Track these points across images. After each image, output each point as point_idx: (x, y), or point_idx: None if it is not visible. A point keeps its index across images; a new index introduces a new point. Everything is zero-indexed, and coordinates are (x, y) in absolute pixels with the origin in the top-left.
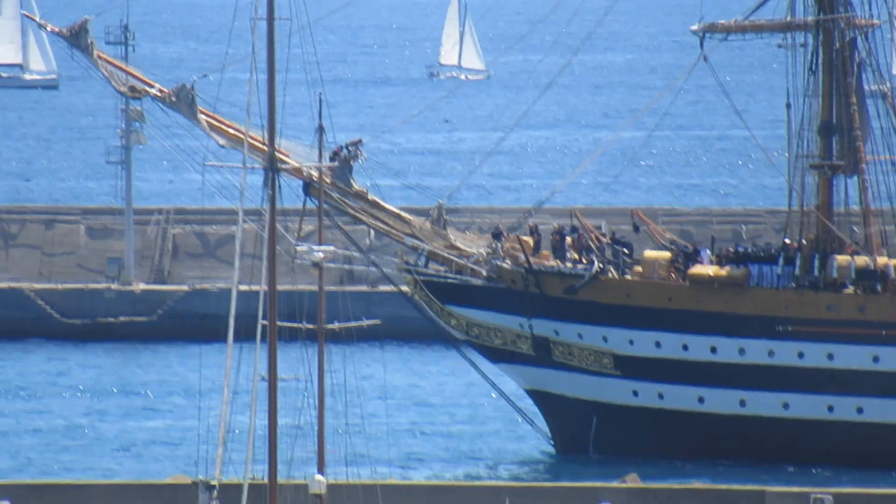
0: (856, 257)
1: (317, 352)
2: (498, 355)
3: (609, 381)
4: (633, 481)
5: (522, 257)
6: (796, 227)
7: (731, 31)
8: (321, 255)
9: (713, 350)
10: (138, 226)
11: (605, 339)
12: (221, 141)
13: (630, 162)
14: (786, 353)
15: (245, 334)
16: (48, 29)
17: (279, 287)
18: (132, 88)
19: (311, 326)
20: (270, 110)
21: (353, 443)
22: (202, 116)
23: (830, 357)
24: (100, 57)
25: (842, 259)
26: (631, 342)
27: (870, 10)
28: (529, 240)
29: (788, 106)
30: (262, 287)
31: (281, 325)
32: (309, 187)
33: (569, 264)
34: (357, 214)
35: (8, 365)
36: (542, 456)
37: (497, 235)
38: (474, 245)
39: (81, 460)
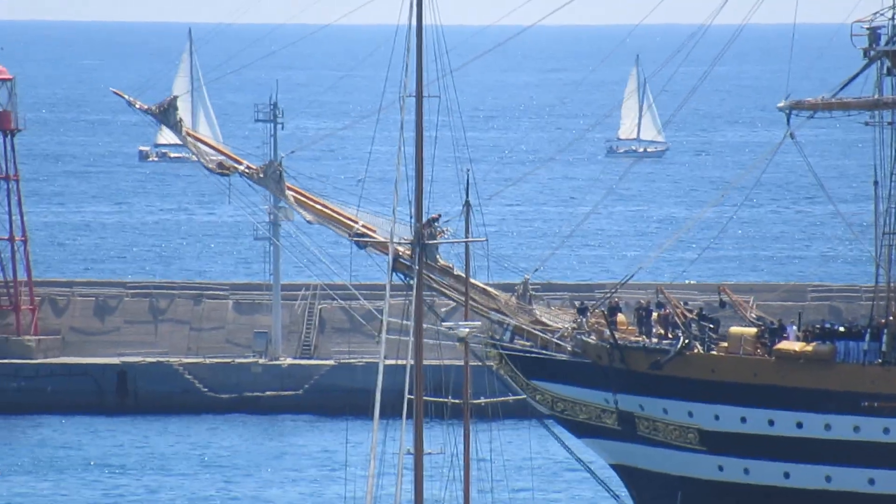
0: None
1: (462, 426)
2: (583, 430)
3: (694, 456)
4: None
5: (608, 333)
6: (883, 304)
7: (818, 109)
8: (466, 330)
9: (799, 426)
10: (285, 301)
11: (690, 415)
12: (308, 217)
13: (717, 237)
14: (871, 429)
15: (391, 409)
16: (136, 106)
17: (425, 362)
18: (220, 165)
19: (456, 401)
20: (418, 185)
21: None
22: (290, 193)
23: None
24: (188, 134)
25: None
26: (717, 417)
27: None
28: (623, 318)
29: (876, 183)
30: (408, 361)
31: (427, 399)
32: (396, 263)
33: (654, 339)
34: (443, 289)
35: (155, 437)
36: None
37: (583, 310)
38: (560, 320)
39: None
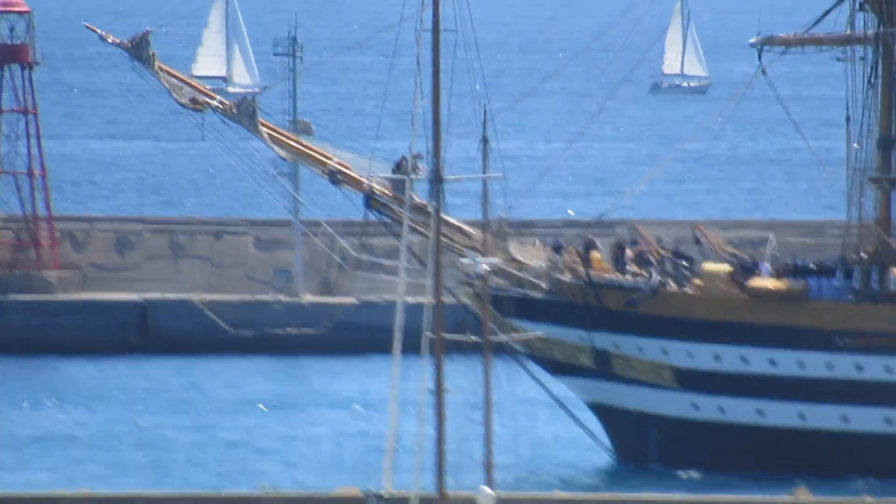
0: None
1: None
2: (558, 369)
3: (669, 394)
4: (802, 494)
5: (582, 271)
6: (855, 241)
7: (790, 45)
8: (486, 267)
9: (772, 363)
10: (306, 237)
11: (664, 353)
12: (283, 154)
13: (691, 174)
14: (844, 366)
15: (412, 347)
16: (109, 41)
17: (445, 300)
18: (193, 100)
19: (476, 339)
20: (436, 122)
21: (519, 454)
22: (263, 129)
23: (889, 370)
24: (161, 69)
25: None
26: (690, 355)
27: None
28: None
29: (848, 119)
30: (427, 299)
31: (446, 337)
32: (371, 200)
33: (629, 277)
34: (418, 227)
35: (177, 376)
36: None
37: (557, 249)
38: (535, 258)
39: (250, 471)
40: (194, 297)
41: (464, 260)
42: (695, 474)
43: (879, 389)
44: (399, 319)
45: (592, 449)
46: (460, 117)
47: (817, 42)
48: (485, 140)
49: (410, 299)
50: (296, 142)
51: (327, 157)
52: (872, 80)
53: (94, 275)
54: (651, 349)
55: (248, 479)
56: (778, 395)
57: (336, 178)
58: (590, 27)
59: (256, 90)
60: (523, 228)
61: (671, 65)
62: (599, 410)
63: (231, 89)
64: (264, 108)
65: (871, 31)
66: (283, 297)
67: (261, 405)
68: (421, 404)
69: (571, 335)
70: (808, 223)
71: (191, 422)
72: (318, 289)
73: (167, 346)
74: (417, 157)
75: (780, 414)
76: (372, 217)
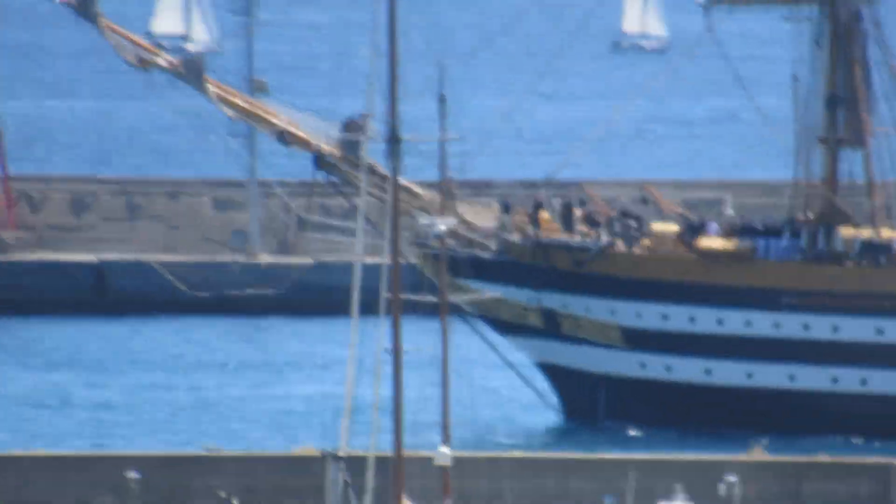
0: (861, 230)
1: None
2: (507, 328)
3: (617, 353)
4: (759, 454)
5: (531, 231)
6: (803, 200)
7: (737, 4)
8: (444, 227)
9: (720, 322)
10: (262, 199)
11: (612, 313)
12: (230, 112)
13: (639, 135)
14: (791, 326)
15: (369, 308)
16: (56, 0)
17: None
18: (140, 59)
19: (434, 299)
20: (392, 81)
21: (477, 415)
22: (210, 88)
23: (835, 329)
24: (108, 27)
25: (847, 232)
26: (638, 315)
27: None
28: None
29: (794, 79)
30: (385, 260)
31: (404, 297)
32: (319, 160)
33: (577, 237)
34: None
35: (134, 337)
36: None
37: (506, 209)
38: (483, 219)
39: (208, 432)
40: (150, 257)
41: (422, 220)
42: (648, 433)
43: (826, 348)
44: (357, 280)
45: (543, 408)
46: (417, 77)
47: (765, 1)
48: (442, 99)
49: (369, 259)
50: (243, 101)
51: (276, 117)
52: (819, 39)
53: (50, 235)
54: (599, 309)
55: (204, 440)
56: (725, 355)
57: (284, 137)
58: None
59: (215, 48)
60: (480, 189)
61: (632, 24)
62: (548, 370)
63: (190, 47)
64: (221, 67)
65: None
66: (239, 258)
67: (220, 366)
68: (378, 365)
69: (520, 295)
70: (764, 183)
71: (146, 382)
72: (275, 249)
73: (123, 306)
74: (367, 116)
75: (728, 373)
76: (321, 178)
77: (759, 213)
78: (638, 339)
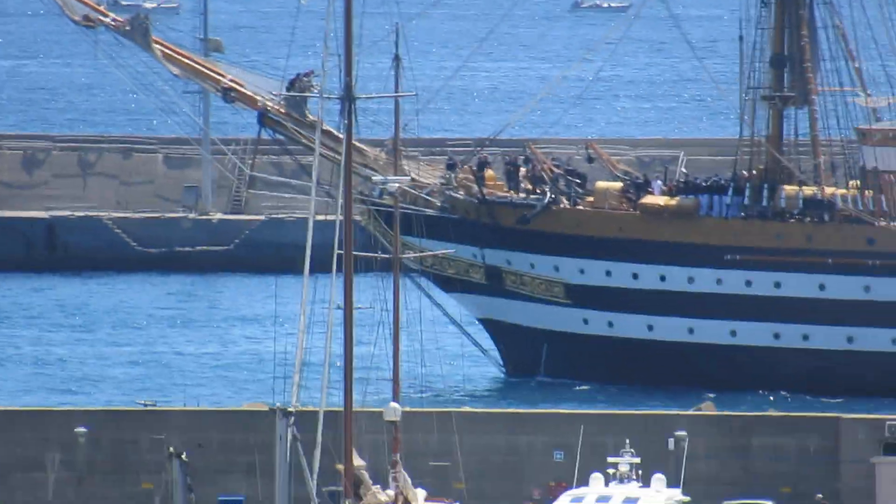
0: (804, 187)
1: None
2: (451, 285)
3: (560, 309)
4: (708, 409)
5: (476, 188)
6: (747, 158)
7: None
8: (397, 185)
9: (662, 279)
10: (215, 156)
11: (556, 269)
12: (175, 71)
13: (584, 94)
14: (734, 282)
15: (321, 264)
16: None
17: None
18: (86, 18)
19: (386, 256)
20: (347, 40)
21: (426, 371)
22: (156, 46)
23: (777, 285)
24: None
25: (790, 189)
26: (582, 271)
27: None
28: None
29: (741, 38)
30: (337, 217)
31: (356, 254)
32: (264, 118)
33: (522, 195)
34: (311, 145)
35: (85, 293)
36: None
37: (451, 166)
38: (429, 176)
39: (158, 387)
40: (102, 214)
41: (375, 178)
42: (592, 388)
43: (768, 305)
44: (309, 237)
45: (487, 364)
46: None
47: None
48: (397, 59)
49: (320, 217)
50: (189, 59)
51: (221, 75)
52: None
53: (1, 192)
54: (543, 265)
55: (154, 395)
56: (668, 311)
57: (229, 95)
58: None
59: (175, 4)
60: (434, 147)
61: None
62: (491, 326)
63: (148, 4)
64: (177, 24)
65: None
66: (191, 215)
67: (170, 321)
68: (330, 321)
69: (464, 252)
70: (718, 141)
71: (99, 338)
72: (227, 206)
73: (75, 263)
74: (310, 74)
75: (670, 329)
76: (266, 135)
77: (713, 170)
78: (581, 296)
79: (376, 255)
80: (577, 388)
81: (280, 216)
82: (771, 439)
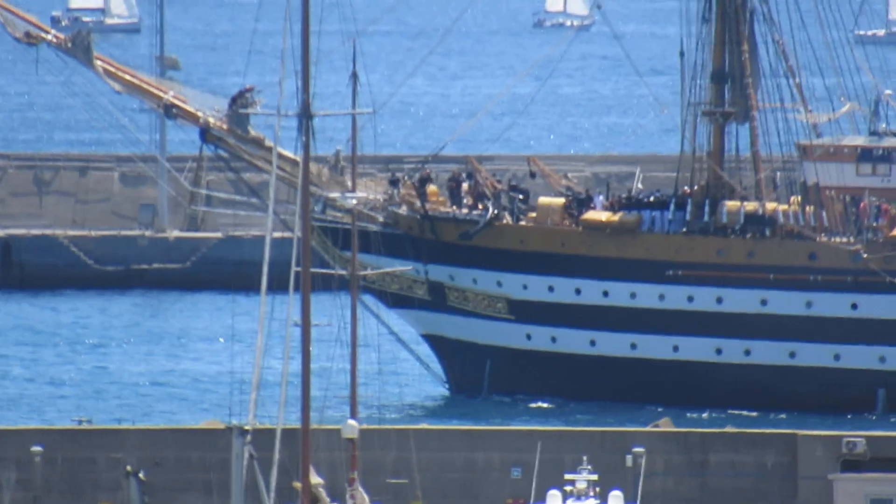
0: (745, 203)
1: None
2: (395, 301)
3: (503, 325)
4: (665, 426)
5: (418, 203)
6: (688, 174)
7: None
8: (354, 201)
9: (605, 294)
10: (172, 173)
11: (499, 284)
12: (117, 87)
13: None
14: (676, 297)
15: (278, 282)
16: None
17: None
18: (28, 34)
19: (343, 273)
20: (305, 57)
21: (384, 388)
22: (98, 63)
23: (719, 301)
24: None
25: (731, 204)
26: (525, 287)
27: None
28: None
29: (682, 54)
30: (295, 234)
31: (314, 271)
32: (206, 134)
33: (464, 210)
34: (253, 160)
35: (40, 311)
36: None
37: (394, 182)
38: (372, 191)
39: (115, 406)
40: (59, 232)
41: (334, 194)
42: (556, 405)
43: (710, 320)
44: (267, 254)
45: (431, 381)
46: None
47: None
48: (354, 76)
49: (278, 234)
50: (131, 75)
51: (163, 91)
52: (707, 14)
53: None
54: (486, 281)
55: (110, 413)
56: (610, 326)
57: (171, 111)
58: None
59: (135, 20)
60: (391, 163)
61: (554, 3)
62: (435, 342)
63: (108, 20)
64: (138, 42)
65: None
66: (148, 233)
67: (126, 339)
68: (288, 338)
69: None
70: (674, 157)
71: (51, 356)
72: (184, 224)
73: (31, 281)
74: (251, 89)
75: (612, 344)
76: (209, 151)
77: (669, 186)
78: (524, 311)
79: (335, 271)
80: (534, 404)
81: (237, 233)
82: (728, 455)
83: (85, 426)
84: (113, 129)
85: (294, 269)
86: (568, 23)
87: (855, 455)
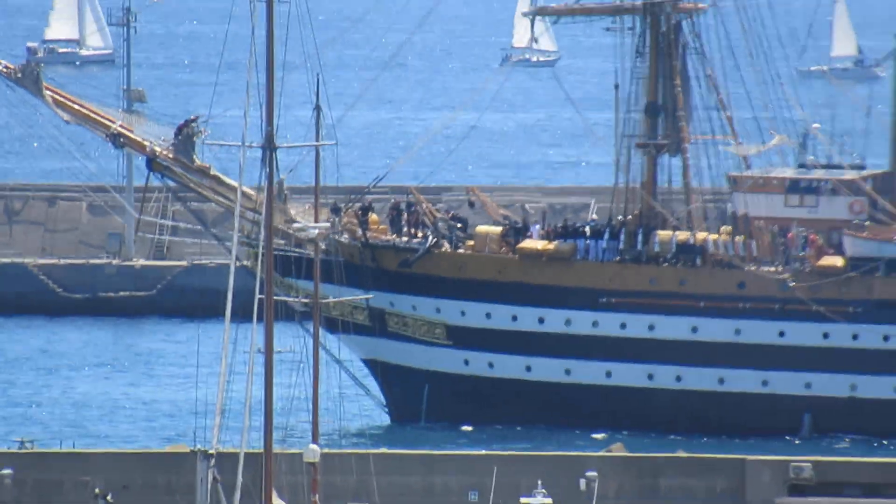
0: (677, 232)
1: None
2: (336, 326)
3: (441, 350)
4: (618, 450)
5: (359, 232)
6: (622, 204)
7: (562, 14)
8: (317, 231)
9: (541, 321)
10: (138, 203)
11: (437, 311)
12: (66, 117)
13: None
14: (609, 324)
15: (242, 309)
16: None
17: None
18: None
19: (306, 300)
20: (269, 90)
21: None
22: (48, 93)
23: (651, 328)
24: None
25: (664, 234)
26: (462, 313)
27: None
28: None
29: (616, 87)
30: (232, 260)
31: (277, 299)
32: (152, 162)
33: (404, 238)
34: (199, 189)
35: (9, 338)
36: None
37: (336, 210)
38: (309, 220)
39: (82, 430)
40: (28, 260)
41: (295, 224)
42: (509, 431)
43: (642, 346)
44: (231, 282)
45: (373, 406)
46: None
47: (587, 12)
48: (318, 109)
49: (245, 263)
50: (79, 105)
51: (110, 121)
52: (640, 48)
53: None
54: (425, 307)
55: (82, 439)
56: (545, 352)
57: (119, 140)
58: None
59: (109, 51)
60: (352, 194)
61: (520, 38)
62: (375, 367)
63: (83, 52)
64: (108, 74)
65: (639, 2)
66: (115, 261)
67: (93, 365)
68: (251, 365)
69: (348, 294)
70: (579, 187)
71: (18, 381)
72: (150, 253)
73: (0, 308)
74: (196, 119)
75: (548, 370)
76: (155, 180)
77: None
78: (462, 337)
79: (297, 299)
80: (488, 428)
81: (202, 262)
82: (679, 480)
83: (53, 449)
84: (78, 159)
85: (257, 297)
86: (533, 58)
87: (802, 480)
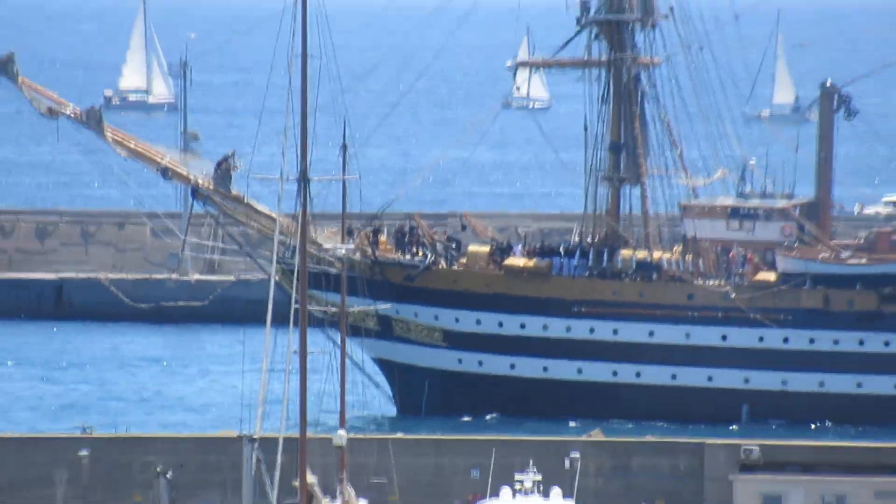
0: (637, 252)
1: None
2: (350, 331)
3: (439, 351)
4: (597, 436)
5: (370, 251)
6: (590, 228)
7: (539, 67)
8: (344, 251)
9: (522, 326)
10: (194, 227)
11: (436, 318)
12: (123, 153)
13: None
14: (580, 329)
15: (280, 317)
16: None
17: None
18: (50, 109)
19: (335, 309)
20: (303, 131)
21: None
22: (108, 133)
23: (615, 332)
24: (24, 83)
25: (626, 253)
26: (457, 320)
27: (652, 50)
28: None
29: (586, 128)
30: (294, 279)
31: (311, 308)
32: (196, 192)
33: (408, 256)
34: (235, 215)
35: (85, 340)
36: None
37: (350, 233)
38: (332, 240)
39: (147, 419)
40: (101, 275)
41: (327, 245)
42: (489, 420)
43: (608, 348)
44: (271, 294)
45: (384, 399)
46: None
47: (561, 64)
48: (344, 147)
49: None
50: (134, 143)
51: (161, 157)
52: (605, 96)
53: (18, 258)
54: (425, 315)
55: (147, 426)
56: (526, 352)
57: (167, 173)
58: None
59: (172, 100)
60: (375, 220)
61: (519, 88)
62: (384, 365)
63: (150, 99)
64: (170, 118)
65: (604, 57)
66: (174, 276)
67: (156, 364)
68: (288, 363)
69: (361, 304)
70: (556, 214)
71: (95, 378)
72: (204, 268)
73: (78, 316)
74: (232, 155)
75: (528, 367)
76: (198, 207)
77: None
78: (456, 340)
79: (327, 308)
80: (487, 417)
81: (247, 277)
82: (648, 460)
83: (122, 434)
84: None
85: (293, 306)
86: (530, 105)
87: (751, 460)
